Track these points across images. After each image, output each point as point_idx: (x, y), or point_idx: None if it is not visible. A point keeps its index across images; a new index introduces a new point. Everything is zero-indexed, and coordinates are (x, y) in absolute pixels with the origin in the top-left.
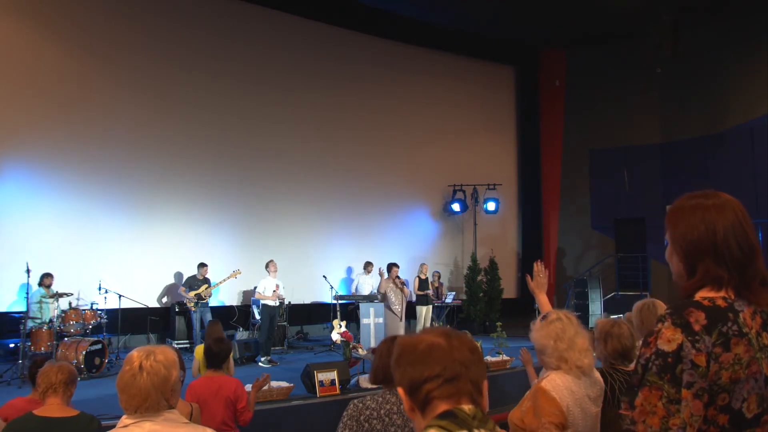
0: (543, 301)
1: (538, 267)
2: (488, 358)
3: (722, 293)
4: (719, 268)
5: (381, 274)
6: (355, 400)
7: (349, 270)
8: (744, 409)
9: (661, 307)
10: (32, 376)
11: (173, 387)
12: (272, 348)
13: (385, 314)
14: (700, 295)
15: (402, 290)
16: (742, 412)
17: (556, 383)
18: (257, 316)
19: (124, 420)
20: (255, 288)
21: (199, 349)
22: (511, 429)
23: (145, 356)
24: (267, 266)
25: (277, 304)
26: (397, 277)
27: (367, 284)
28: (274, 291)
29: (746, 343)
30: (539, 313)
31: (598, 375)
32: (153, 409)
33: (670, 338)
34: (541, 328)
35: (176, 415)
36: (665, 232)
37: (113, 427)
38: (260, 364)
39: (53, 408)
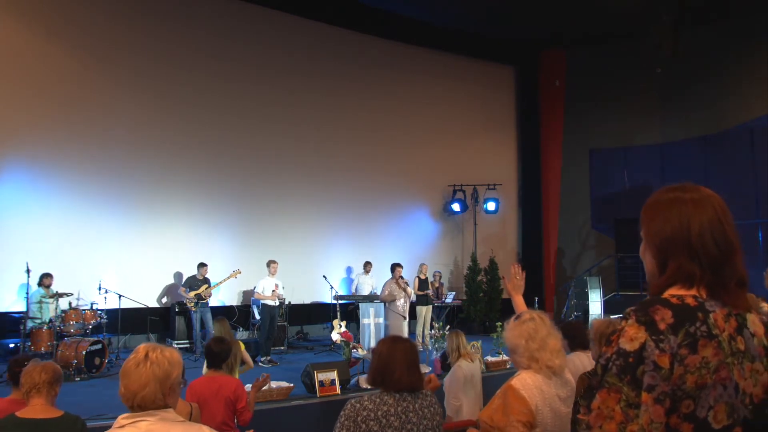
0: (519, 302)
1: (515, 269)
2: (488, 358)
3: (693, 291)
4: (692, 264)
5: (397, 281)
6: (353, 401)
7: (349, 270)
8: (710, 418)
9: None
10: (13, 375)
11: (173, 385)
12: (272, 348)
13: (389, 314)
14: (669, 292)
15: (405, 290)
16: (708, 422)
17: (526, 382)
18: (257, 316)
19: (120, 420)
20: (255, 288)
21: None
22: (481, 427)
23: (152, 349)
24: (268, 265)
25: (277, 303)
26: (401, 277)
27: (367, 284)
28: (274, 291)
29: (715, 346)
30: None
31: (569, 376)
32: (149, 400)
33: (632, 337)
34: (514, 327)
35: (173, 414)
36: (640, 228)
37: (106, 427)
38: (260, 364)
39: (36, 409)
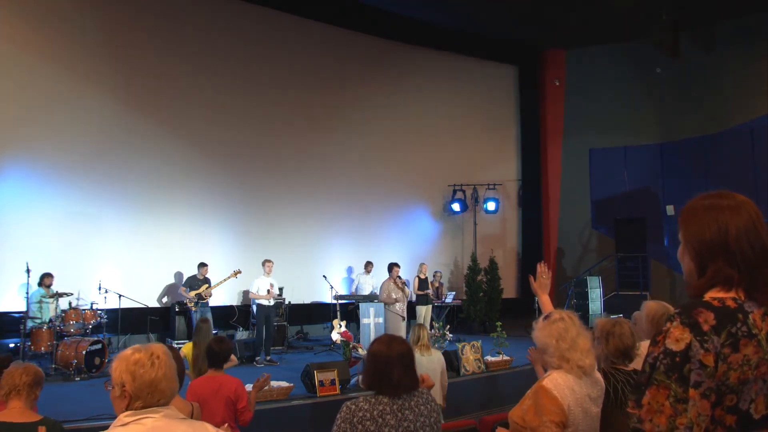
0: (545, 301)
1: (542, 268)
2: (488, 358)
3: (732, 294)
4: (730, 268)
5: (395, 281)
6: (348, 402)
7: (350, 270)
8: (752, 410)
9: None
10: None
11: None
12: (272, 348)
13: (387, 315)
14: (709, 295)
15: (403, 290)
16: (749, 413)
17: (557, 382)
18: None
19: (123, 418)
20: (250, 288)
21: (187, 347)
22: (511, 427)
23: (155, 348)
24: (263, 265)
25: (272, 303)
26: (398, 276)
27: (368, 284)
28: (269, 290)
29: (755, 345)
30: (539, 312)
31: (599, 375)
32: (168, 396)
33: (678, 338)
34: (544, 327)
35: (175, 411)
36: (678, 232)
37: (106, 427)
38: (255, 363)
39: (14, 412)
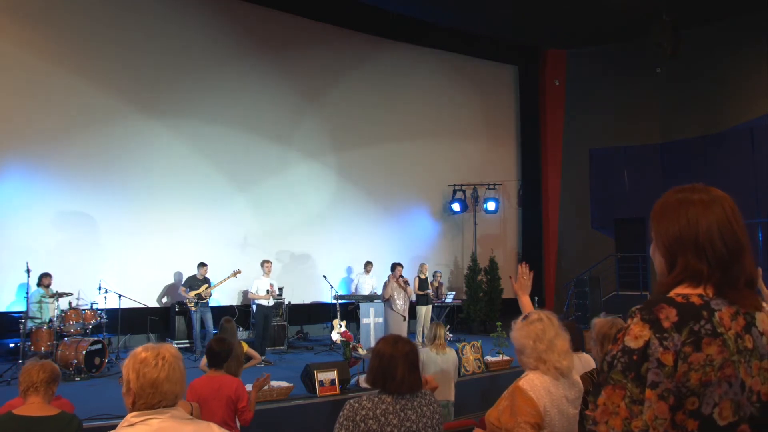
0: (525, 302)
1: (523, 269)
2: (488, 358)
3: (699, 290)
4: (699, 263)
5: (397, 280)
6: (351, 400)
7: (349, 270)
8: (715, 415)
9: (618, 324)
10: None
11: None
12: (273, 348)
13: (388, 314)
14: (675, 291)
15: (405, 290)
16: (713, 419)
17: (534, 383)
18: None
19: (130, 418)
20: (249, 288)
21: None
22: (487, 428)
23: (159, 347)
24: (262, 265)
25: (271, 303)
26: (401, 276)
27: (367, 284)
28: (268, 290)
29: (720, 344)
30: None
31: (576, 377)
32: (176, 397)
33: (637, 335)
34: (522, 327)
35: (181, 412)
36: (650, 229)
37: (106, 427)
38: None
39: (33, 407)
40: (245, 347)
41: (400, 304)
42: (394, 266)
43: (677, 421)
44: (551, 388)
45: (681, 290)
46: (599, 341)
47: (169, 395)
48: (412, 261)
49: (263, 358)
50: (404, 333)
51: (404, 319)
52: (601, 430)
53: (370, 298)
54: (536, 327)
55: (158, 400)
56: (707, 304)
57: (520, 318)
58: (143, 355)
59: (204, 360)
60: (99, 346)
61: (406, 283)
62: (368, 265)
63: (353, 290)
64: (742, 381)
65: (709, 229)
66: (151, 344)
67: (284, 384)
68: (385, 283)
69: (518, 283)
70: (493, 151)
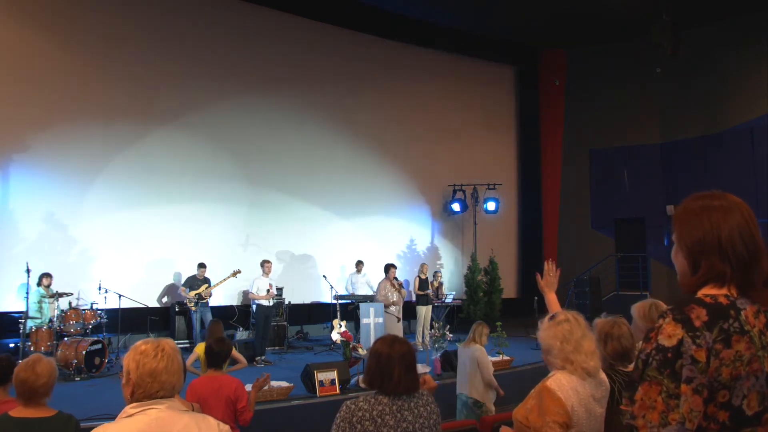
0: (552, 300)
1: (549, 266)
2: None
3: (724, 290)
4: (723, 264)
5: (391, 282)
6: (348, 402)
7: (342, 269)
8: (744, 406)
9: (663, 306)
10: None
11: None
12: (273, 348)
13: (383, 316)
14: (702, 292)
15: (399, 291)
16: (742, 409)
17: (561, 383)
18: None
19: (128, 410)
20: (249, 288)
21: (200, 347)
22: (515, 426)
23: (158, 342)
24: (262, 265)
25: (271, 303)
26: (395, 278)
27: (361, 283)
28: (268, 291)
29: (747, 341)
30: (539, 312)
31: (603, 376)
32: (176, 389)
33: (670, 333)
34: (549, 328)
35: (178, 403)
36: (671, 233)
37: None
38: (254, 363)
39: (30, 409)
40: (232, 350)
41: (394, 306)
42: (388, 268)
43: (709, 413)
44: (578, 388)
45: (707, 290)
46: (601, 340)
47: (167, 385)
48: (412, 261)
49: (264, 357)
50: (399, 334)
51: (398, 321)
52: (639, 423)
53: (371, 298)
54: (563, 328)
55: (156, 390)
56: (733, 303)
57: (547, 318)
58: (143, 348)
59: (191, 358)
60: (99, 346)
61: (401, 285)
62: (359, 264)
63: (348, 290)
64: (767, 373)
65: (731, 233)
66: (151, 338)
67: (284, 384)
68: (379, 285)
69: (544, 281)
70: (493, 151)
